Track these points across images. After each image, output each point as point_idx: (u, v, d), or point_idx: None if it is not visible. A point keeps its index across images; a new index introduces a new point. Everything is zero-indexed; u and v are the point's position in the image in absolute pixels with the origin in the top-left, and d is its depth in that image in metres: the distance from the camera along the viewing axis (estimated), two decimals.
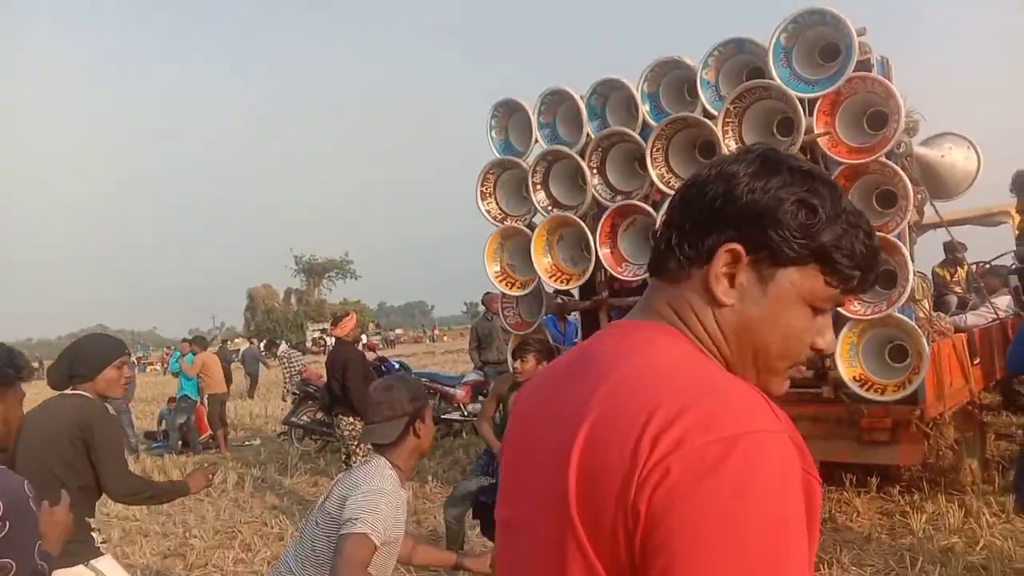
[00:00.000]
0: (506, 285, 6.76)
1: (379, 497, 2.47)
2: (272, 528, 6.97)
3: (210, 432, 12.29)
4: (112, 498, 3.40)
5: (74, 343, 3.52)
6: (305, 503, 7.93)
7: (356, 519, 2.40)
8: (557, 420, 0.95)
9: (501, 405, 5.27)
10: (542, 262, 6.36)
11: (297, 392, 11.92)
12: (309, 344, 49.56)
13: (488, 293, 10.67)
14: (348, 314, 7.51)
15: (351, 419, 6.87)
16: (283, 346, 15.35)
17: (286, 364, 14.62)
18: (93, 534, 3.30)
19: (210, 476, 3.62)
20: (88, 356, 3.39)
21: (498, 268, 6.78)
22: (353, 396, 6.77)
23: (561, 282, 6.37)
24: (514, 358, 5.12)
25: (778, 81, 5.35)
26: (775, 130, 5.57)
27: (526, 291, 6.69)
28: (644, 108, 6.07)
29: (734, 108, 5.46)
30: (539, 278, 6.46)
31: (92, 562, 3.23)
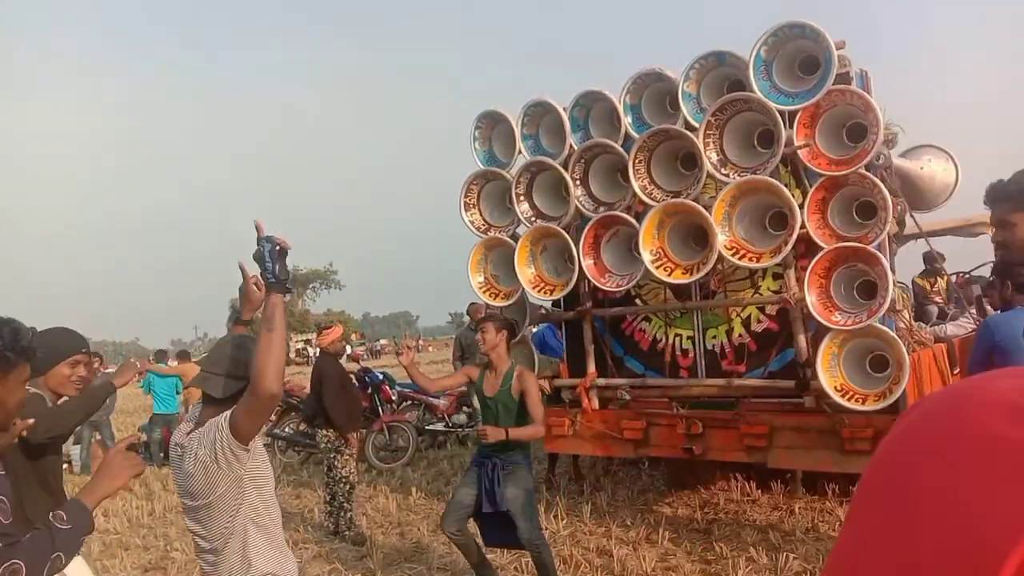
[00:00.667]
0: (490, 296, 6.77)
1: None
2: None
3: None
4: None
5: (40, 333, 3.42)
6: (288, 515, 7.88)
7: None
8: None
9: (471, 382, 5.34)
10: (526, 273, 6.37)
11: (280, 404, 11.86)
12: (292, 355, 49.25)
13: (473, 303, 10.68)
14: (332, 324, 7.49)
15: (327, 432, 6.85)
16: None
17: None
18: None
19: (136, 366, 3.58)
20: (41, 350, 3.28)
21: (482, 279, 6.79)
22: (328, 409, 6.75)
23: (545, 292, 6.38)
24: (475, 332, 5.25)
25: (758, 94, 5.39)
26: (756, 142, 5.62)
27: (510, 301, 6.69)
28: (626, 120, 6.11)
29: (715, 120, 5.50)
30: (523, 289, 6.47)
31: None
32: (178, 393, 12.32)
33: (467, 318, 11.44)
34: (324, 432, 6.89)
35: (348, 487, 6.79)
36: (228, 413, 2.38)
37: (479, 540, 5.16)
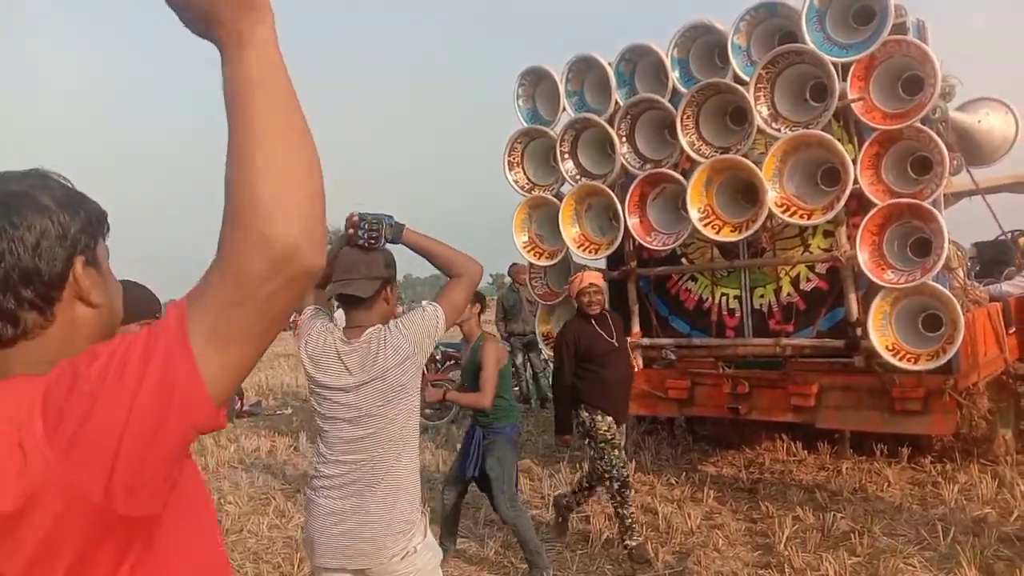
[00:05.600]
0: (534, 255, 6.75)
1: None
2: (305, 494, 7.06)
3: (252, 401, 12.66)
4: None
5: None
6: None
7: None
8: None
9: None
10: (570, 232, 6.33)
11: None
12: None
13: (514, 264, 10.66)
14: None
15: None
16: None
17: None
18: None
19: None
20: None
21: (526, 238, 6.77)
22: None
23: (589, 252, 6.35)
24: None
25: (811, 45, 5.24)
26: (808, 95, 5.48)
27: (554, 261, 6.67)
28: (674, 74, 5.99)
29: (766, 73, 5.37)
30: (567, 248, 6.44)
31: None
32: None
33: (508, 279, 11.43)
34: None
35: None
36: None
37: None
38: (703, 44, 6.01)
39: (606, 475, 5.03)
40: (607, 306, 5.40)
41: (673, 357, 6.37)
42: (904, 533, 5.03)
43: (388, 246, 2.76)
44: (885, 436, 6.47)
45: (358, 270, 2.70)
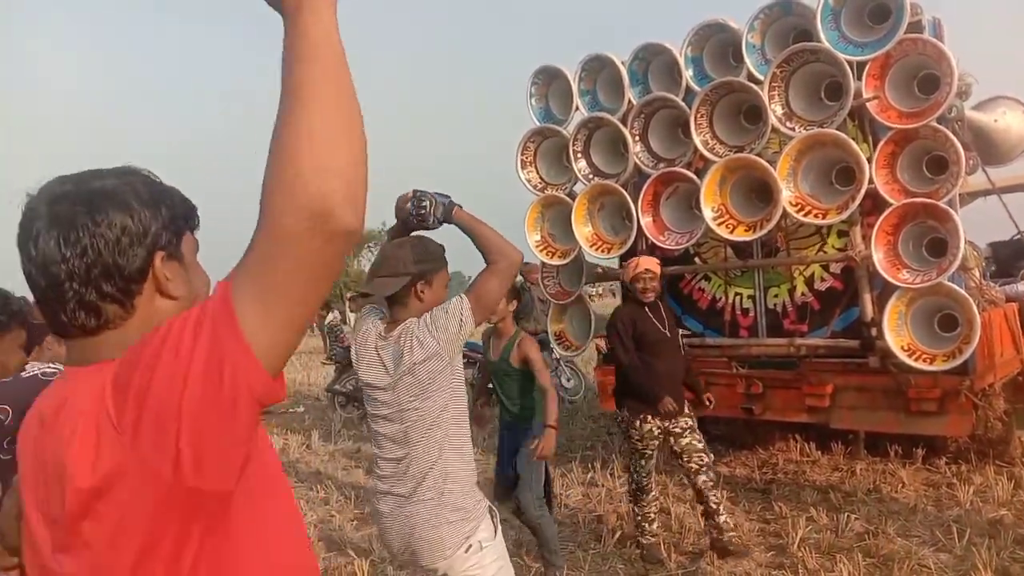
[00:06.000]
0: (547, 254, 6.74)
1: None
2: (318, 493, 7.08)
3: None
4: None
5: None
6: (349, 468, 8.05)
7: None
8: None
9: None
10: (583, 231, 6.32)
11: (339, 360, 12.06)
12: (350, 313, 50.11)
13: (527, 263, 10.64)
14: None
15: None
16: (330, 316, 15.51)
17: (329, 333, 14.77)
18: None
19: None
20: None
21: (538, 237, 6.76)
22: None
23: (602, 251, 6.34)
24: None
25: (826, 44, 5.21)
26: (823, 94, 5.45)
27: (567, 260, 6.66)
28: (687, 73, 5.97)
29: (781, 72, 5.35)
30: (580, 247, 6.43)
31: None
32: None
33: (520, 278, 11.41)
34: None
35: None
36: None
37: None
38: (717, 43, 5.99)
39: (631, 482, 5.10)
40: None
41: None
42: (919, 535, 5.00)
43: (439, 229, 2.72)
44: (899, 437, 6.43)
45: (385, 267, 2.69)
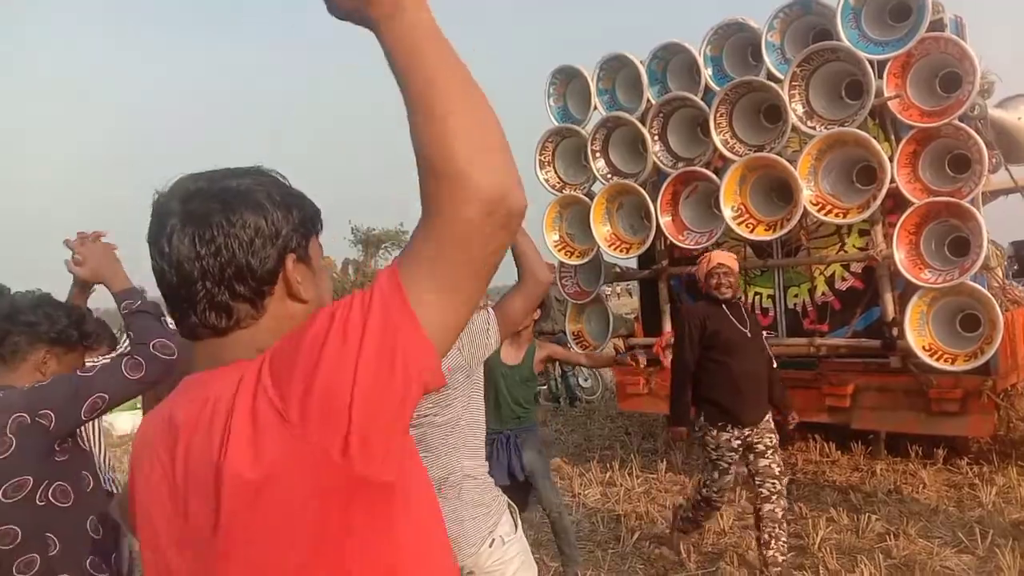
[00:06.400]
0: (565, 254, 6.75)
1: None
2: None
3: None
4: None
5: None
6: None
7: None
8: None
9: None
10: (601, 231, 6.32)
11: None
12: None
13: (546, 263, 10.65)
14: None
15: None
16: None
17: None
18: None
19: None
20: None
21: (557, 237, 6.77)
22: None
23: (620, 251, 6.34)
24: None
25: (847, 43, 5.20)
26: (843, 93, 5.43)
27: (585, 260, 6.66)
28: (707, 72, 5.97)
29: (801, 71, 5.33)
30: (598, 247, 6.43)
31: None
32: None
33: None
34: None
35: None
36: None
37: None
38: (736, 42, 5.99)
39: (699, 491, 4.69)
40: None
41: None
42: (941, 536, 4.96)
43: None
44: (920, 437, 6.38)
45: None
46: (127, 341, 2.47)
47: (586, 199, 6.48)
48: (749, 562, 4.80)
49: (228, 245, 1.02)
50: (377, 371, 0.87)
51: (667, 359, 6.54)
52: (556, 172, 6.84)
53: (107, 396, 2.12)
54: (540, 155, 6.80)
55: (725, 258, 4.71)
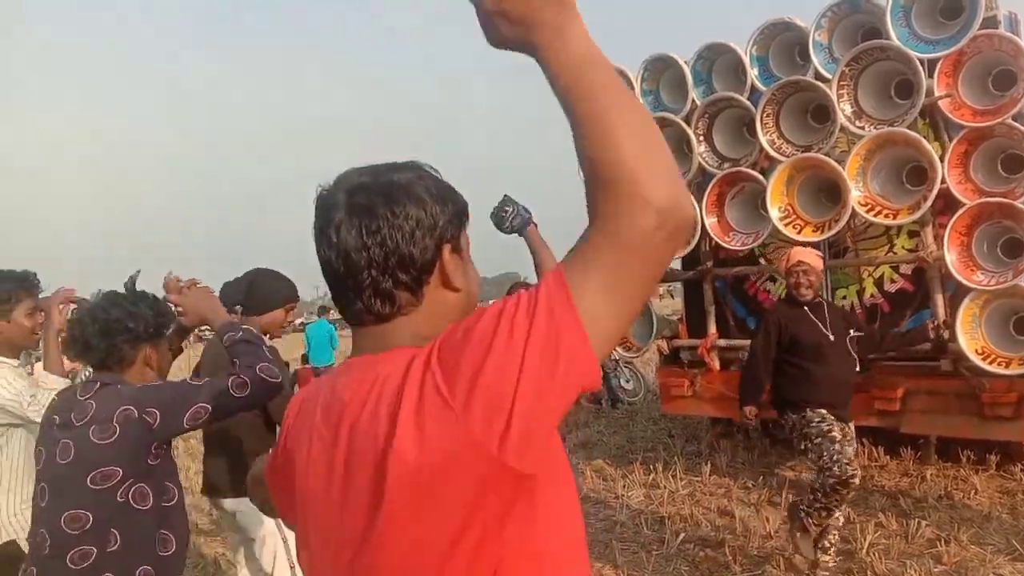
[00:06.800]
0: None
1: None
2: None
3: None
4: None
5: (255, 272, 3.55)
6: None
7: None
8: None
9: None
10: None
11: None
12: None
13: None
14: None
15: None
16: None
17: None
18: None
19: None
20: (261, 292, 3.45)
21: None
22: None
23: None
24: None
25: (896, 41, 5.13)
26: (893, 93, 5.36)
27: None
28: (753, 72, 5.93)
29: (849, 71, 5.27)
30: None
31: None
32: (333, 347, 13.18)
33: None
34: None
35: None
36: None
37: None
38: (783, 41, 5.94)
39: (827, 471, 4.22)
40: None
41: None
42: (993, 543, 4.87)
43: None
44: (972, 442, 6.26)
45: None
46: None
47: None
48: (796, 566, 4.76)
49: (392, 236, 1.09)
50: (539, 371, 0.91)
51: (713, 361, 6.56)
52: None
53: (210, 408, 2.21)
54: None
55: (806, 255, 4.46)
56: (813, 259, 4.44)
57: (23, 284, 3.06)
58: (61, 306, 3.24)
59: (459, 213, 1.18)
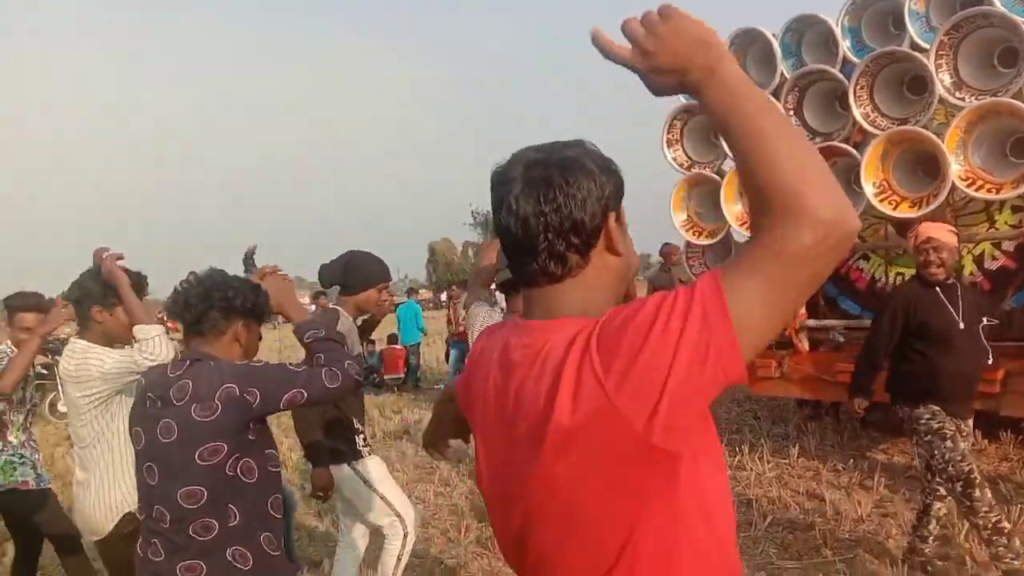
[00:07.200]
0: (693, 234, 6.66)
1: None
2: (467, 465, 7.28)
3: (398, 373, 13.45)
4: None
5: (350, 254, 3.71)
6: None
7: None
8: None
9: None
10: (733, 209, 6.20)
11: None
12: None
13: (667, 244, 10.48)
14: None
15: None
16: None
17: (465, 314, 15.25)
18: (357, 437, 3.67)
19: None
20: (356, 272, 3.62)
21: (684, 217, 6.68)
22: None
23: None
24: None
25: (1000, 7, 4.89)
26: (996, 61, 5.12)
27: (714, 240, 6.55)
28: (844, 44, 5.74)
29: (948, 39, 5.06)
30: (729, 226, 6.31)
31: (355, 463, 3.56)
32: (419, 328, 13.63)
33: (658, 259, 11.25)
34: None
35: None
36: None
37: None
38: (876, 12, 5.74)
39: (943, 474, 3.93)
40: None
41: (842, 339, 6.14)
42: None
43: None
44: None
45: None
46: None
47: (716, 177, 6.36)
48: (889, 550, 4.65)
49: (567, 203, 1.20)
50: (690, 363, 1.00)
51: (802, 342, 6.42)
52: (684, 151, 6.74)
53: (306, 394, 2.31)
54: (668, 133, 6.72)
55: (936, 230, 4.04)
56: (945, 235, 4.03)
57: (137, 284, 3.21)
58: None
59: (620, 185, 1.28)
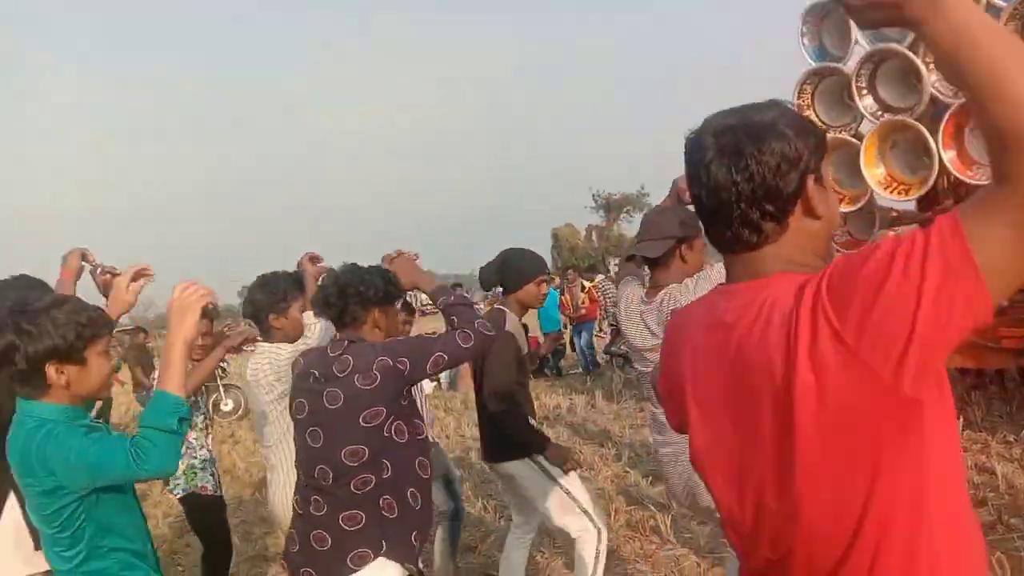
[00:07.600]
0: None
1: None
2: (609, 450, 7.28)
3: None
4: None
5: (504, 253, 3.79)
6: (636, 427, 8.18)
7: None
8: None
9: None
10: (875, 173, 5.88)
11: (614, 323, 12.28)
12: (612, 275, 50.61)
13: None
14: None
15: None
16: (598, 277, 15.79)
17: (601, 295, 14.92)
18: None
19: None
20: (513, 269, 3.71)
21: None
22: None
23: (899, 193, 5.86)
24: None
25: None
26: None
27: (856, 206, 6.25)
28: None
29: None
30: (871, 191, 6.00)
31: (536, 457, 3.61)
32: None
33: None
34: None
35: None
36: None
37: None
38: None
39: None
40: None
41: (1005, 303, 5.74)
42: None
43: None
44: None
45: (649, 232, 2.94)
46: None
47: (854, 141, 6.06)
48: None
49: (759, 172, 1.18)
50: (936, 310, 0.96)
51: None
52: (817, 115, 6.42)
53: (446, 356, 2.59)
54: (799, 99, 6.41)
55: None
56: None
57: (296, 284, 3.54)
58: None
59: (819, 145, 1.23)
